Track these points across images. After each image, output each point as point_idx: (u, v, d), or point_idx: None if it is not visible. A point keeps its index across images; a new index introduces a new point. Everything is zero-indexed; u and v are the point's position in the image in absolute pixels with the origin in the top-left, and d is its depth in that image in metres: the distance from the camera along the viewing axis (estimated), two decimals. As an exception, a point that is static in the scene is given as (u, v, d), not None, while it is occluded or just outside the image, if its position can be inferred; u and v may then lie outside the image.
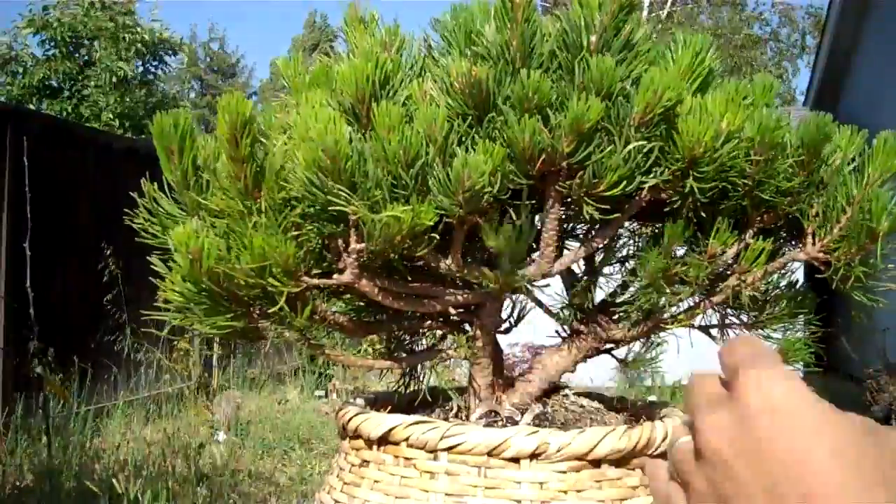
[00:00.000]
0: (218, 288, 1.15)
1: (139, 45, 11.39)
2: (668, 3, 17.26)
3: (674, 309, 1.35)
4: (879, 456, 0.46)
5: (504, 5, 1.17)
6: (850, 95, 9.63)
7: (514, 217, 1.24)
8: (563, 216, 1.31)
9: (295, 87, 1.34)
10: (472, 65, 1.14)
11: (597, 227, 1.35)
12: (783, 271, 1.36)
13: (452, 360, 1.44)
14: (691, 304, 1.36)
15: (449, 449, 1.21)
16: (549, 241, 1.26)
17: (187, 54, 18.73)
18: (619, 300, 1.44)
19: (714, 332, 1.46)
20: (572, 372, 1.45)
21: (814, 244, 1.29)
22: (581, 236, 1.44)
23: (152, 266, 1.21)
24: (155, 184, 1.30)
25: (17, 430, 4.51)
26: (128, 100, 11.12)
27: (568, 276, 1.47)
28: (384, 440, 1.26)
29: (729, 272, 1.32)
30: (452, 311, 1.40)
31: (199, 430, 4.80)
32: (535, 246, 1.29)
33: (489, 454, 1.20)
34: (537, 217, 1.29)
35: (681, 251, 1.31)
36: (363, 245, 1.16)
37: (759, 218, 1.30)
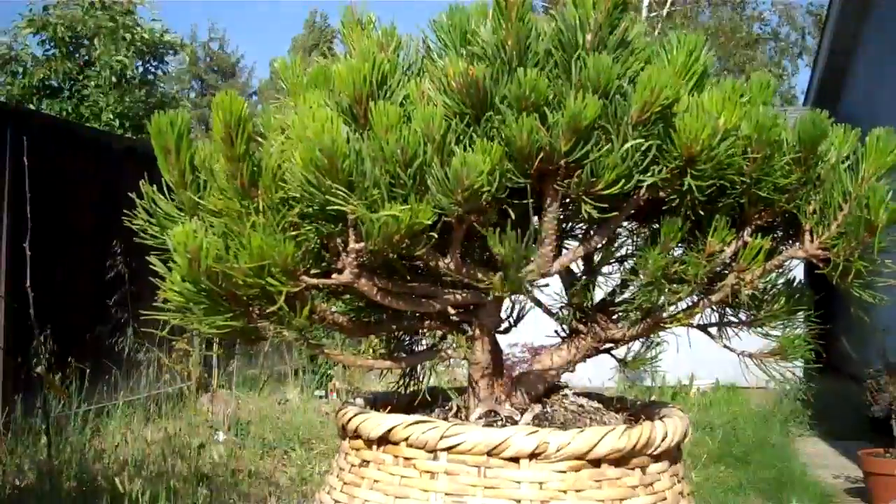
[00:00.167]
0: (217, 287, 1.15)
1: (139, 44, 11.38)
2: (668, 3, 17.26)
3: (673, 308, 1.35)
4: None
5: (499, 5, 1.17)
6: (849, 95, 9.62)
7: (513, 217, 1.24)
8: (562, 215, 1.31)
9: (293, 87, 1.34)
10: (468, 64, 1.14)
11: (595, 226, 1.35)
12: (781, 269, 1.37)
13: (452, 360, 1.44)
14: (690, 303, 1.36)
15: (448, 449, 1.21)
16: (547, 241, 1.26)
17: (188, 55, 18.71)
18: (618, 299, 1.44)
19: (713, 330, 1.46)
20: (572, 372, 1.45)
21: (812, 241, 1.29)
22: (580, 235, 1.44)
23: (152, 266, 1.22)
24: (154, 185, 1.30)
25: (17, 430, 4.51)
26: (128, 100, 11.11)
27: (567, 276, 1.47)
28: (384, 440, 1.26)
29: (727, 271, 1.32)
30: (452, 310, 1.40)
31: (199, 430, 4.80)
32: (534, 246, 1.29)
33: (489, 454, 1.20)
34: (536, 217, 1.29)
35: (679, 250, 1.31)
36: (362, 244, 1.16)
37: (756, 215, 1.30)
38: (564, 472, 1.20)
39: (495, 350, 1.40)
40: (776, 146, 1.22)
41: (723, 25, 19.01)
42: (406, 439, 1.23)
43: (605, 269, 1.47)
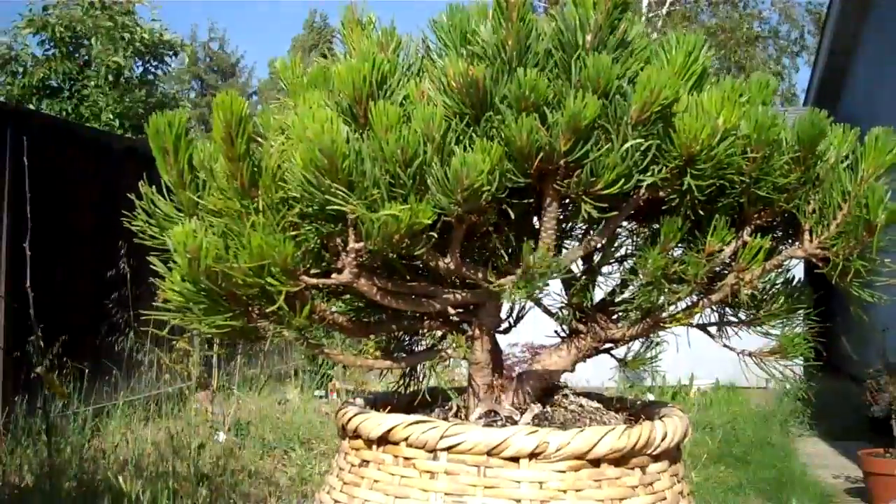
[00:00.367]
0: (216, 287, 1.15)
1: (138, 44, 11.39)
2: (668, 2, 17.26)
3: (672, 308, 1.36)
4: None
5: (499, 5, 1.17)
6: (849, 95, 9.63)
7: (513, 217, 1.24)
8: (562, 215, 1.32)
9: (293, 87, 1.34)
10: (468, 64, 1.14)
11: (595, 226, 1.35)
12: (781, 269, 1.37)
13: (452, 360, 1.44)
14: (690, 302, 1.36)
15: (448, 448, 1.21)
16: (547, 241, 1.26)
17: (189, 55, 18.70)
18: (618, 299, 1.44)
19: (713, 330, 1.46)
20: (572, 372, 1.45)
21: (811, 241, 1.29)
22: (579, 235, 1.45)
23: (152, 266, 1.22)
24: (154, 186, 1.30)
25: (17, 430, 4.51)
26: (127, 100, 11.11)
27: (567, 276, 1.47)
28: (384, 440, 1.26)
29: (727, 270, 1.32)
30: (451, 310, 1.40)
31: (199, 430, 4.80)
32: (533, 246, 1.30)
33: (488, 454, 1.20)
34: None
35: (679, 250, 1.31)
36: (361, 244, 1.16)
37: (756, 215, 1.30)
38: (564, 471, 1.20)
39: (495, 350, 1.40)
40: (775, 146, 1.22)
41: (722, 24, 19.01)
42: (406, 439, 1.23)
43: (604, 269, 1.47)
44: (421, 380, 1.55)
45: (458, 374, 6.01)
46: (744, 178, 1.22)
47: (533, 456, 1.20)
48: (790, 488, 4.75)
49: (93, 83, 10.92)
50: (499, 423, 1.36)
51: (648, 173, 1.19)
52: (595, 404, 1.46)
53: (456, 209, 1.12)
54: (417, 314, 1.42)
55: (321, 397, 6.77)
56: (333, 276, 1.21)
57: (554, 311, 1.48)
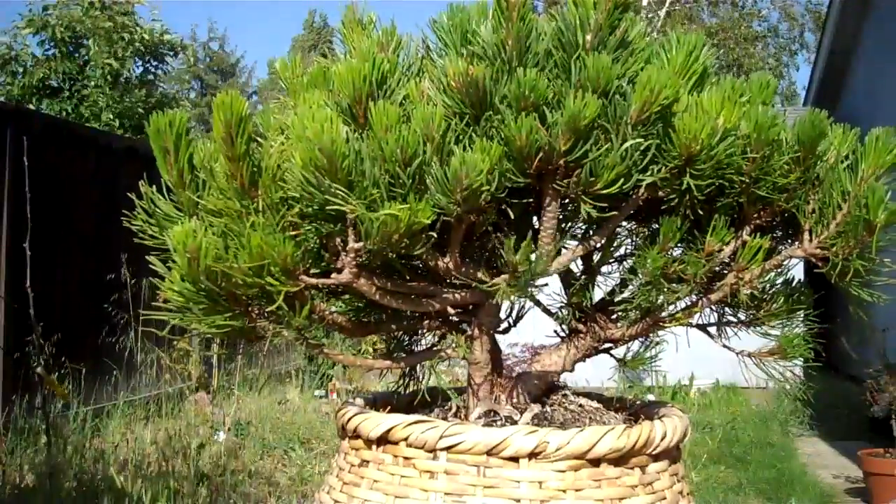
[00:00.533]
0: (216, 287, 1.15)
1: (138, 44, 11.39)
2: (668, 2, 17.25)
3: (672, 307, 1.36)
4: None
5: (500, 5, 1.17)
6: (850, 95, 9.63)
7: (512, 216, 1.24)
8: (561, 215, 1.32)
9: (293, 88, 1.34)
10: (468, 64, 1.14)
11: (595, 225, 1.35)
12: (780, 268, 1.37)
13: (452, 360, 1.44)
14: (689, 302, 1.36)
15: (448, 448, 1.21)
16: (547, 240, 1.26)
17: (190, 55, 18.70)
18: (617, 299, 1.44)
19: (712, 330, 1.46)
20: (571, 372, 1.46)
21: (811, 241, 1.30)
22: (579, 235, 1.44)
23: (152, 266, 1.22)
24: (154, 186, 1.30)
25: (17, 430, 4.51)
26: (127, 100, 11.11)
27: (566, 276, 1.47)
28: (383, 440, 1.26)
29: (726, 270, 1.32)
30: (451, 310, 1.40)
31: (200, 431, 4.80)
32: (533, 245, 1.30)
33: (488, 453, 1.20)
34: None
35: (678, 250, 1.31)
36: (361, 244, 1.16)
37: (755, 215, 1.30)
38: (564, 471, 1.20)
39: (495, 350, 1.40)
40: (775, 146, 1.22)
41: (722, 24, 19.01)
42: (405, 439, 1.23)
43: (604, 269, 1.47)
44: (421, 380, 1.55)
45: (461, 373, 6.01)
46: (743, 177, 1.22)
47: (532, 456, 1.20)
48: (790, 488, 4.75)
49: (93, 83, 10.92)
50: (498, 422, 1.36)
51: (648, 173, 1.19)
52: (595, 404, 1.46)
53: (455, 209, 1.12)
54: (417, 314, 1.42)
55: (321, 397, 6.77)
56: (333, 276, 1.21)
57: (553, 310, 1.48)
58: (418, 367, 1.55)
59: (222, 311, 1.19)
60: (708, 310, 1.41)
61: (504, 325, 1.47)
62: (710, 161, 1.16)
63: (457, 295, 1.32)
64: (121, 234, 1.68)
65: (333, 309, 1.35)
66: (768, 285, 1.39)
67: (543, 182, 1.21)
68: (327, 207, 1.12)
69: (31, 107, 10.32)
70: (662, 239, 1.26)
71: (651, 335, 1.44)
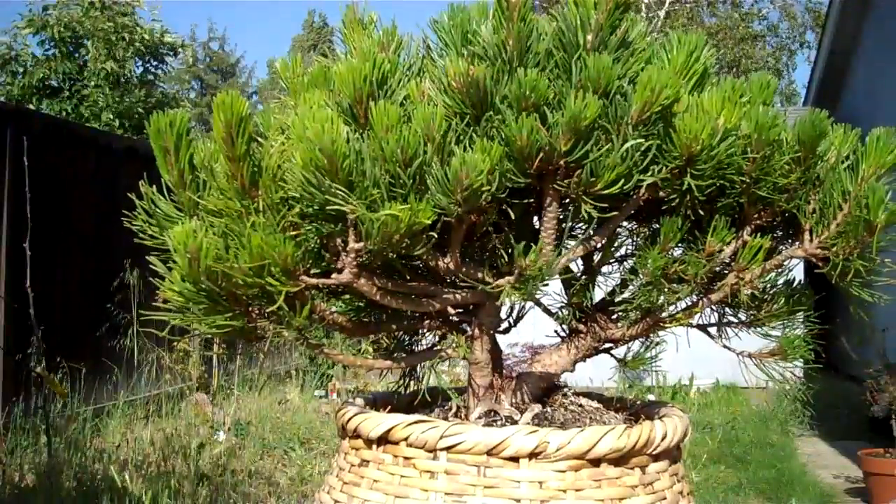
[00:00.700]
0: (216, 287, 1.15)
1: (138, 44, 11.39)
2: (667, 2, 17.26)
3: (672, 308, 1.36)
4: None
5: (500, 5, 1.17)
6: (849, 94, 9.63)
7: (513, 217, 1.24)
8: (562, 215, 1.32)
9: (293, 87, 1.34)
10: (469, 64, 1.14)
11: (595, 226, 1.35)
12: (780, 269, 1.37)
13: (452, 360, 1.44)
14: (690, 302, 1.36)
15: (448, 448, 1.21)
16: (547, 241, 1.26)
17: (191, 55, 18.70)
18: (617, 299, 1.44)
19: (713, 330, 1.46)
20: (571, 371, 1.45)
21: (811, 241, 1.29)
22: (579, 235, 1.44)
23: (152, 266, 1.22)
24: (154, 186, 1.30)
25: (17, 430, 4.51)
26: (127, 100, 11.12)
27: (567, 276, 1.47)
28: (383, 440, 1.26)
29: (727, 270, 1.32)
30: (451, 310, 1.40)
31: (200, 430, 4.80)
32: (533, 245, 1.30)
33: (488, 453, 1.20)
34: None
35: (679, 250, 1.31)
36: (361, 244, 1.16)
37: (756, 215, 1.30)
38: (564, 471, 1.20)
39: (495, 350, 1.40)
40: (776, 146, 1.22)
41: (721, 24, 19.01)
42: (406, 439, 1.23)
43: (604, 269, 1.47)
44: (421, 380, 1.55)
45: (461, 373, 6.01)
46: (744, 178, 1.22)
47: (533, 456, 1.20)
48: (790, 488, 4.75)
49: (93, 83, 10.93)
50: (499, 422, 1.36)
51: (648, 173, 1.19)
52: (595, 404, 1.46)
53: (456, 209, 1.12)
54: (417, 314, 1.42)
55: (321, 397, 6.77)
56: (333, 276, 1.21)
57: (554, 311, 1.48)
58: (419, 367, 1.55)
59: (222, 312, 1.19)
60: (708, 310, 1.41)
61: (504, 325, 1.47)
62: (710, 161, 1.16)
63: (457, 295, 1.32)
64: (121, 234, 1.68)
65: (334, 309, 1.35)
66: (769, 286, 1.39)
67: (544, 182, 1.21)
68: (328, 207, 1.12)
69: (31, 107, 10.32)
70: (663, 239, 1.26)
71: (651, 335, 1.44)
